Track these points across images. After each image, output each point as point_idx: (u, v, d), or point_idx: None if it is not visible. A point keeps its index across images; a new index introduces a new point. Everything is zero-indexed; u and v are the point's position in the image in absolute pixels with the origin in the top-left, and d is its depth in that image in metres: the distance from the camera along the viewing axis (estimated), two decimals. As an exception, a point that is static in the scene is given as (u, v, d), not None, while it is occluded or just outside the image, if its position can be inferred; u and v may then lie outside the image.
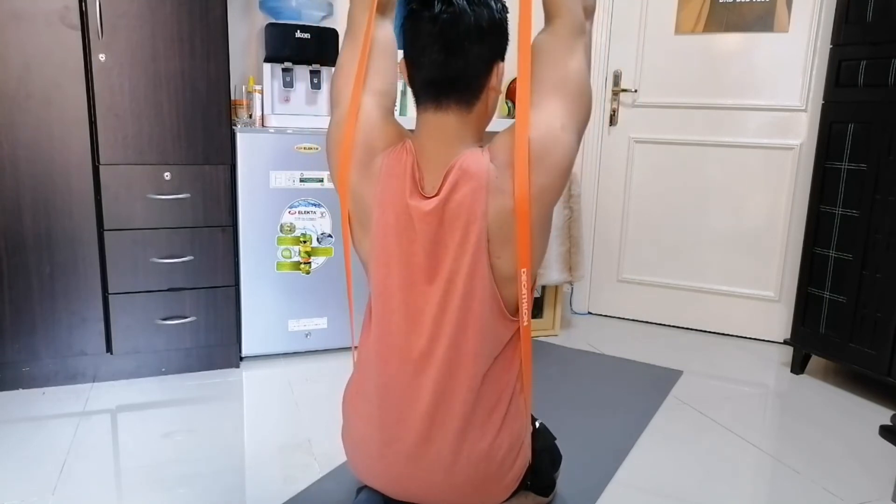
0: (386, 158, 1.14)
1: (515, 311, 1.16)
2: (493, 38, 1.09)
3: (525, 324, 1.15)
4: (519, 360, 1.19)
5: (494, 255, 1.10)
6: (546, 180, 1.06)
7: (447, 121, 1.11)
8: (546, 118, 1.07)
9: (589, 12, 1.14)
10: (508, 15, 1.14)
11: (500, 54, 1.12)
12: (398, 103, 2.62)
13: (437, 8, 1.05)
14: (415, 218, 1.11)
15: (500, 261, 1.10)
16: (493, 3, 1.09)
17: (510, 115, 2.91)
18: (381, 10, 1.20)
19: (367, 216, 1.16)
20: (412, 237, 1.12)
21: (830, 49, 2.27)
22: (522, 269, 1.09)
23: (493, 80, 1.12)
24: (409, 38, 1.10)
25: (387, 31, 1.22)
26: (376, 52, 1.18)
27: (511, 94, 2.90)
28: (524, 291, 1.12)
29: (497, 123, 2.48)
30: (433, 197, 1.10)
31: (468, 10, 1.05)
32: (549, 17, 1.13)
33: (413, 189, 1.11)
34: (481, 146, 1.14)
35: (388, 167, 1.13)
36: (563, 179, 1.09)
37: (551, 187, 1.08)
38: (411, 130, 1.18)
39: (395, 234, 1.13)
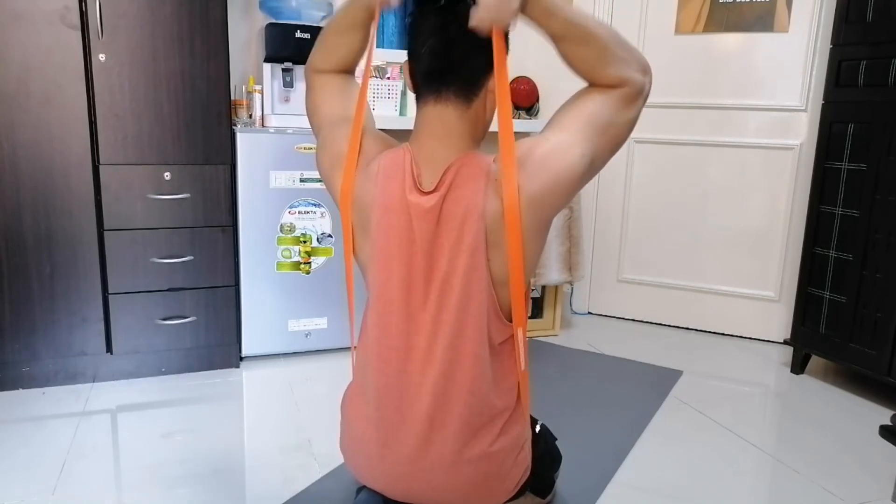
0: (383, 160, 1.15)
1: (509, 315, 1.17)
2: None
3: (523, 369, 1.20)
4: (516, 365, 1.20)
5: (488, 257, 1.10)
6: (541, 196, 1.08)
7: (447, 113, 1.12)
8: (565, 141, 1.09)
9: (648, 73, 1.16)
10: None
11: None
12: (398, 103, 2.63)
13: None
14: (414, 217, 1.11)
15: (490, 263, 1.11)
16: None
17: (517, 117, 2.90)
18: (347, 70, 1.28)
19: (366, 218, 1.16)
20: (411, 238, 1.12)
21: (830, 49, 2.27)
22: (518, 328, 1.16)
23: (492, 83, 1.13)
24: (415, 30, 1.12)
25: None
26: (351, 83, 1.29)
27: (514, 97, 2.89)
28: (521, 346, 1.17)
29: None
30: (432, 192, 1.11)
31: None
32: (611, 88, 1.14)
33: (411, 184, 1.12)
34: (478, 149, 1.16)
35: (385, 168, 1.14)
36: (560, 199, 1.10)
37: (546, 204, 1.09)
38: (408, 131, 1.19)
39: (395, 235, 1.13)
